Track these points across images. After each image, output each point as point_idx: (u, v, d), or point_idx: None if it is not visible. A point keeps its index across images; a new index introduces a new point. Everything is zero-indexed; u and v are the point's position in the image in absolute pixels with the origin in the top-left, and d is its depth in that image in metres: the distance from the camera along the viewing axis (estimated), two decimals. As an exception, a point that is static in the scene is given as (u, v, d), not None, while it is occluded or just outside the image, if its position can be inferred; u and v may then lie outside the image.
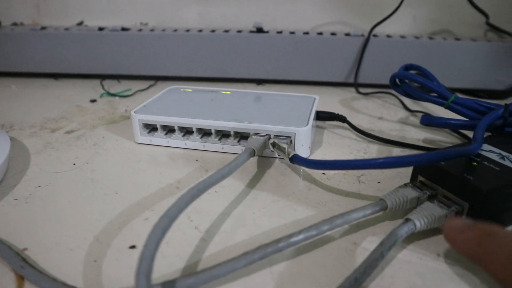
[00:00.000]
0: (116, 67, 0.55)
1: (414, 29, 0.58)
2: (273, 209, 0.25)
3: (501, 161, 0.25)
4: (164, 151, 0.34)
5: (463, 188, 0.23)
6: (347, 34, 0.52)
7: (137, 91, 0.51)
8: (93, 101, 0.47)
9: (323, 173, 0.30)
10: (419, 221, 0.21)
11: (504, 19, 0.55)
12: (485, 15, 0.54)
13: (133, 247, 0.22)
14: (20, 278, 0.19)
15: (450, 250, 0.22)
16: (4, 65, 0.56)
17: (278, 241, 0.20)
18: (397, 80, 0.38)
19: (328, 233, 0.22)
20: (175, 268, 0.20)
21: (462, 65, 0.51)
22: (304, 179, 0.29)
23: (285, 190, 0.28)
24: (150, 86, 0.54)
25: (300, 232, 0.20)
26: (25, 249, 0.22)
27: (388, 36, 0.52)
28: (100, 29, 0.55)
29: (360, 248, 0.22)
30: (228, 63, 0.54)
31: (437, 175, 0.24)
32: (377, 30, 0.53)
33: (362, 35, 0.51)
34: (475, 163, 0.25)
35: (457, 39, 0.52)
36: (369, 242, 0.22)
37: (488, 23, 0.55)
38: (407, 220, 0.21)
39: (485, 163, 0.25)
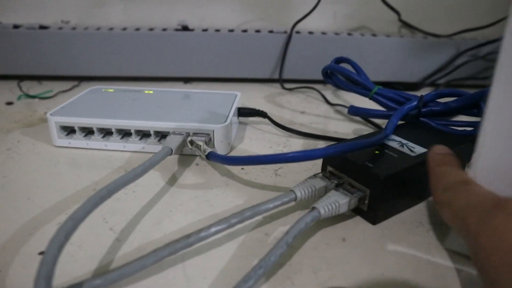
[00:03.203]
0: (35, 67, 0.53)
1: (334, 26, 0.61)
2: (190, 205, 0.26)
3: (400, 148, 0.27)
4: (84, 154, 0.33)
5: (364, 176, 0.24)
6: (271, 31, 0.53)
7: (58, 92, 0.49)
8: (9, 103, 0.45)
9: (242, 168, 0.31)
10: (323, 208, 0.23)
11: (415, 16, 0.59)
12: (397, 13, 0.58)
13: (43, 253, 0.22)
14: None
15: (355, 235, 0.24)
16: None
17: (188, 236, 0.20)
18: (328, 72, 0.40)
19: (240, 225, 0.23)
20: (86, 270, 0.20)
21: (378, 59, 0.54)
22: (223, 175, 0.30)
23: (203, 187, 0.28)
24: (74, 87, 0.52)
25: (210, 226, 0.21)
26: None
27: (310, 32, 0.54)
28: (16, 26, 0.52)
29: (272, 238, 0.23)
30: (154, 62, 0.53)
31: (343, 164, 0.26)
32: (299, 27, 0.55)
33: (285, 32, 0.53)
34: (377, 152, 0.27)
35: (374, 35, 0.55)
36: (280, 232, 0.24)
37: (400, 20, 0.58)
38: (313, 208, 0.23)
39: (386, 151, 0.27)
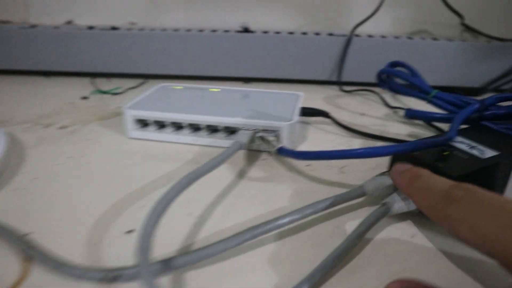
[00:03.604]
0: (106, 66, 0.57)
1: (394, 29, 0.61)
2: (260, 197, 0.27)
3: (470, 150, 0.27)
4: (156, 146, 0.35)
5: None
6: (330, 34, 0.54)
7: (127, 89, 0.53)
8: (84, 98, 0.49)
9: (308, 165, 0.32)
10: (394, 205, 0.23)
11: (478, 20, 0.58)
12: (460, 16, 0.57)
13: (129, 231, 0.23)
14: (27, 260, 0.21)
15: (424, 231, 0.24)
16: (-6, 63, 0.57)
17: (266, 223, 0.22)
18: (383, 76, 0.40)
19: (311, 217, 0.24)
20: (171, 250, 0.22)
21: (439, 64, 0.53)
22: (289, 171, 0.31)
23: (272, 181, 0.29)
24: (140, 84, 0.55)
25: (286, 215, 0.22)
26: (28, 234, 0.23)
27: (370, 36, 0.55)
28: (90, 28, 0.56)
29: (341, 231, 0.24)
30: (216, 62, 0.55)
31: (412, 164, 0.26)
32: (359, 30, 0.55)
33: (345, 35, 0.53)
34: (446, 153, 0.27)
35: (435, 39, 0.54)
36: (349, 226, 0.24)
37: (463, 24, 0.57)
38: (383, 204, 0.23)
39: (455, 152, 0.27)
